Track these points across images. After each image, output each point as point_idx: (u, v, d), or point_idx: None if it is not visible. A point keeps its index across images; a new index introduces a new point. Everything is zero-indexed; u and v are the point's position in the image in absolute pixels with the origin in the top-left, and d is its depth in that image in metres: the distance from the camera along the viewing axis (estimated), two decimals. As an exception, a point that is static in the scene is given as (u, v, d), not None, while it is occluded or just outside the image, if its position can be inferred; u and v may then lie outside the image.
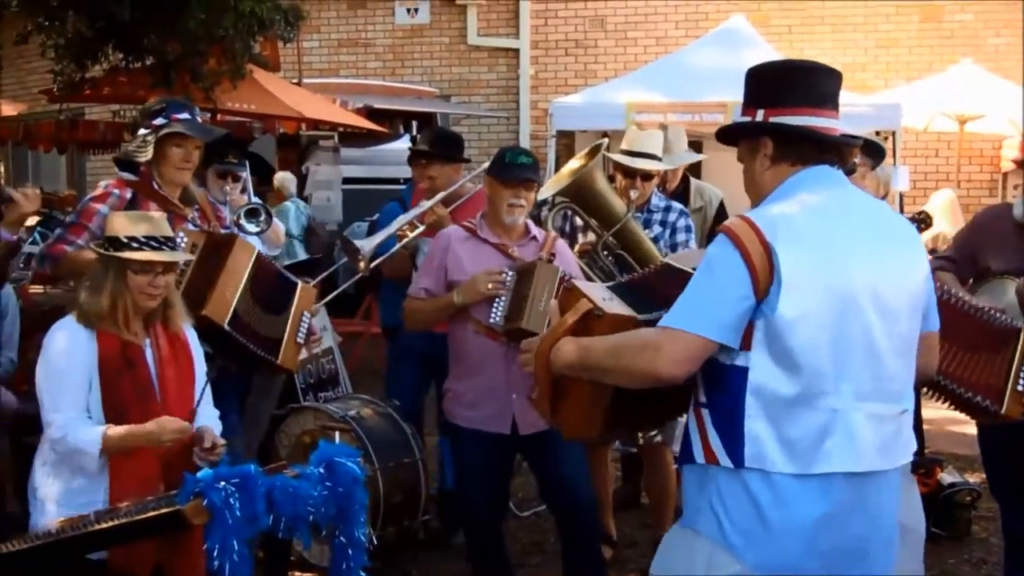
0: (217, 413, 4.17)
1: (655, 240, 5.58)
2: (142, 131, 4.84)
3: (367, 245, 5.53)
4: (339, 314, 6.35)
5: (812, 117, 2.92)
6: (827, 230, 2.82)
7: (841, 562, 2.84)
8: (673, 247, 5.59)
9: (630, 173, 5.58)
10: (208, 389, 4.07)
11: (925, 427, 6.35)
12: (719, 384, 2.84)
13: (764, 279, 2.74)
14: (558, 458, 4.67)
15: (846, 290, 2.80)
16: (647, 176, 5.59)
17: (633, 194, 5.51)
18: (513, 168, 4.71)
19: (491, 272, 4.61)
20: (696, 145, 8.10)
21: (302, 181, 12.98)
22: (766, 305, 2.75)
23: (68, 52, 9.44)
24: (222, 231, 5.03)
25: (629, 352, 2.84)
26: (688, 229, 5.74)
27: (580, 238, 5.65)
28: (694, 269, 2.98)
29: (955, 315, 3.89)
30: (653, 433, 5.40)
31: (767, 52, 12.15)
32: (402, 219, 5.73)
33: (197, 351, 4.15)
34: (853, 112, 10.03)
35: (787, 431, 2.78)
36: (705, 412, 2.88)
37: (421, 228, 5.62)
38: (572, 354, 2.98)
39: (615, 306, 3.08)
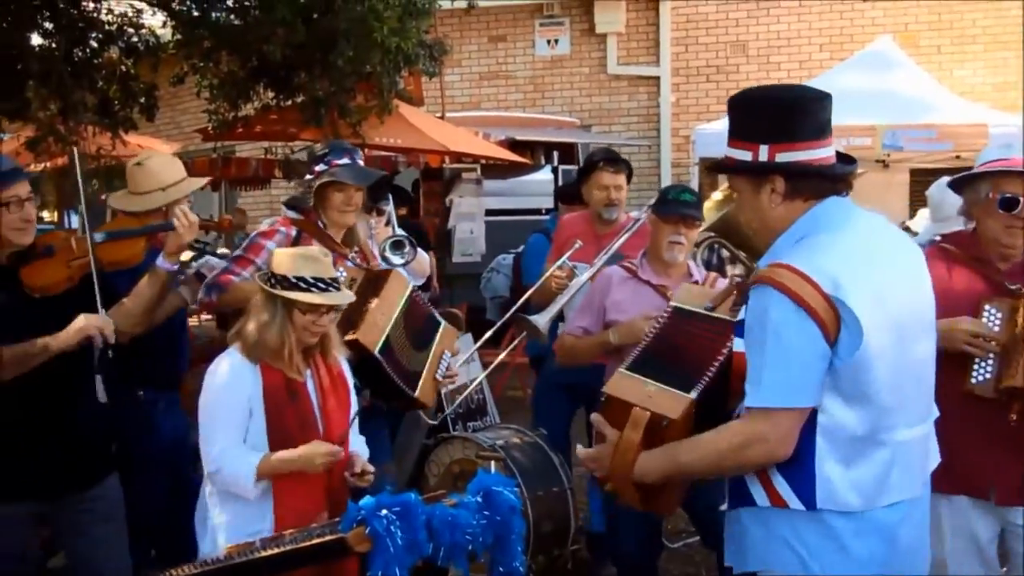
0: (363, 439, 4.25)
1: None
2: (308, 176, 4.98)
3: (542, 320, 5.53)
4: (484, 344, 6.40)
5: (818, 150, 2.90)
6: (868, 266, 2.83)
7: None
8: None
9: None
10: (357, 416, 4.15)
11: None
12: None
13: (832, 330, 2.75)
14: (711, 490, 4.61)
15: (898, 321, 2.85)
16: None
17: None
18: (675, 205, 4.74)
19: (651, 317, 4.61)
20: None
21: (445, 213, 13.15)
22: (835, 354, 2.77)
23: (222, 92, 9.72)
24: (382, 267, 5.14)
25: (733, 454, 2.83)
26: None
27: (728, 270, 5.59)
28: (707, 309, 3.12)
29: None
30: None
31: (915, 73, 11.91)
32: (554, 269, 5.77)
33: (352, 382, 4.24)
34: (1006, 132, 9.75)
35: (857, 469, 2.83)
36: None
37: (583, 277, 5.58)
38: (660, 471, 2.97)
39: (663, 397, 3.03)
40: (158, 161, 5.14)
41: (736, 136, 2.97)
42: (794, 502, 2.85)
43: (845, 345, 2.76)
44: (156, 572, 3.57)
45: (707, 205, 5.69)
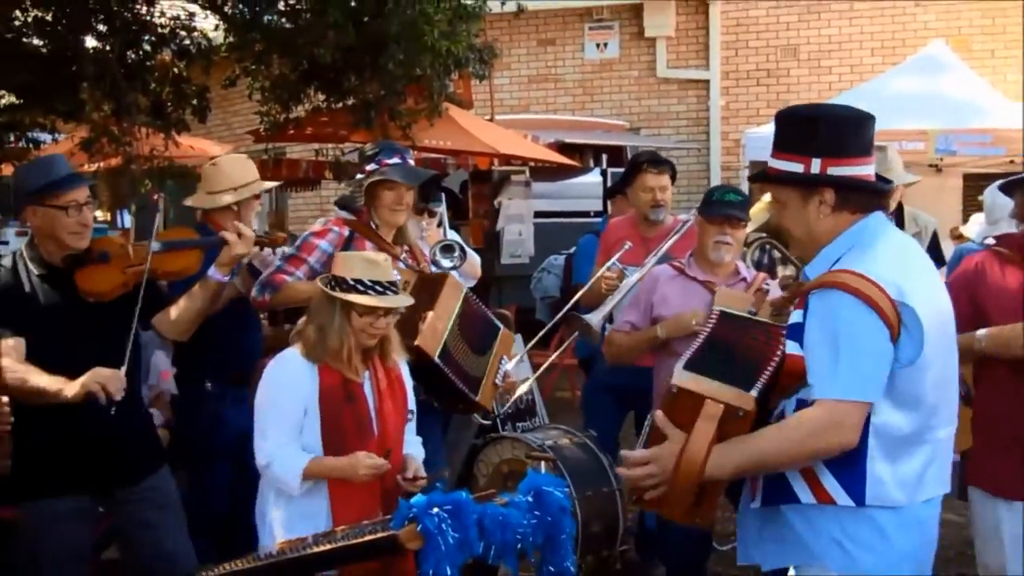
0: (420, 440, 4.28)
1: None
2: (358, 176, 5.01)
3: (595, 319, 5.51)
4: (533, 345, 6.40)
5: (864, 166, 3.03)
6: (920, 274, 3.01)
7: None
8: None
9: None
10: (414, 418, 4.19)
11: None
12: None
13: (895, 334, 2.88)
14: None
15: (944, 328, 3.02)
16: None
17: None
18: (720, 206, 4.74)
19: (697, 313, 4.60)
20: (896, 174, 7.89)
21: (494, 215, 13.18)
22: (895, 358, 2.89)
23: (273, 94, 9.81)
24: (432, 270, 5.15)
25: (812, 441, 2.87)
26: None
27: (779, 271, 5.57)
28: (750, 312, 3.24)
29: None
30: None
31: (968, 77, 11.80)
32: (604, 270, 5.76)
33: (410, 384, 4.27)
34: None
35: (902, 466, 2.95)
36: None
37: (633, 279, 5.55)
38: (736, 464, 2.95)
39: (729, 393, 3.01)
40: (231, 161, 5.30)
41: (785, 149, 3.06)
42: (842, 498, 2.94)
43: (905, 349, 2.89)
44: (212, 566, 3.59)
45: (758, 207, 5.69)
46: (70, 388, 3.84)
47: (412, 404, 4.23)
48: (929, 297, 2.96)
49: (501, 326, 5.16)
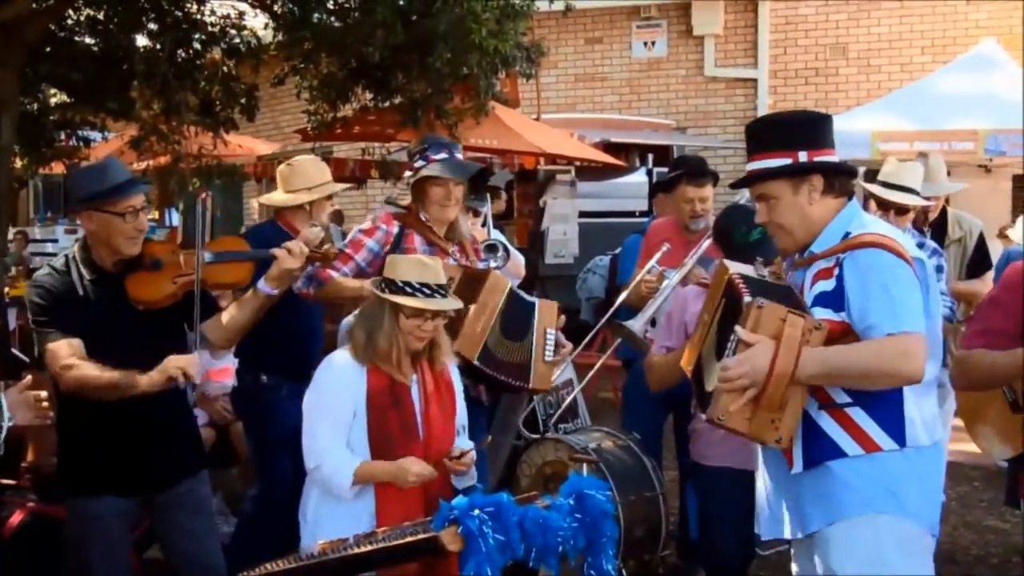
0: (472, 444, 4.26)
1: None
2: (407, 173, 5.02)
3: (637, 324, 5.49)
4: (575, 345, 6.37)
5: (835, 156, 3.43)
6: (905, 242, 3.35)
7: None
8: None
9: (884, 205, 5.41)
10: (466, 425, 4.19)
11: None
12: None
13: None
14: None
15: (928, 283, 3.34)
16: (902, 210, 5.41)
17: None
18: (744, 250, 4.62)
19: None
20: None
21: (539, 214, 13.17)
22: None
23: (321, 93, 9.85)
24: (480, 266, 5.13)
25: (894, 360, 3.12)
26: (939, 269, 5.50)
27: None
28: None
29: None
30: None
31: (1019, 77, 11.63)
32: (643, 273, 5.74)
33: (459, 387, 4.27)
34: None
35: (924, 410, 3.28)
36: (853, 410, 3.24)
37: (674, 280, 5.52)
38: (819, 369, 3.13)
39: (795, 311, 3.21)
40: (307, 162, 5.55)
41: (770, 148, 3.39)
42: (887, 443, 3.22)
43: (924, 298, 3.25)
44: (254, 566, 3.60)
45: None
46: (146, 379, 3.89)
47: (463, 418, 4.22)
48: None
49: (536, 300, 5.07)
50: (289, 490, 5.04)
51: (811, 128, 3.44)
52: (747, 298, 3.20)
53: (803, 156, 3.33)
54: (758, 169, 3.41)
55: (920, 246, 5.46)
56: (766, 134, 3.45)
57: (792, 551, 3.60)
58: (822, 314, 3.22)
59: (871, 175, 6.07)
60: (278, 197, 5.47)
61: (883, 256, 3.21)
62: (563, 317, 5.09)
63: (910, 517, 3.25)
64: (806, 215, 3.36)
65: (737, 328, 3.15)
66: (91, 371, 3.89)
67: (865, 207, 5.51)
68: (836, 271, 3.26)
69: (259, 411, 5.18)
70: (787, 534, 3.41)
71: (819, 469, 3.26)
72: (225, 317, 4.21)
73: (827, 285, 3.28)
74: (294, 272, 4.26)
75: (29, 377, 3.62)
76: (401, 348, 3.97)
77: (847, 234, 3.32)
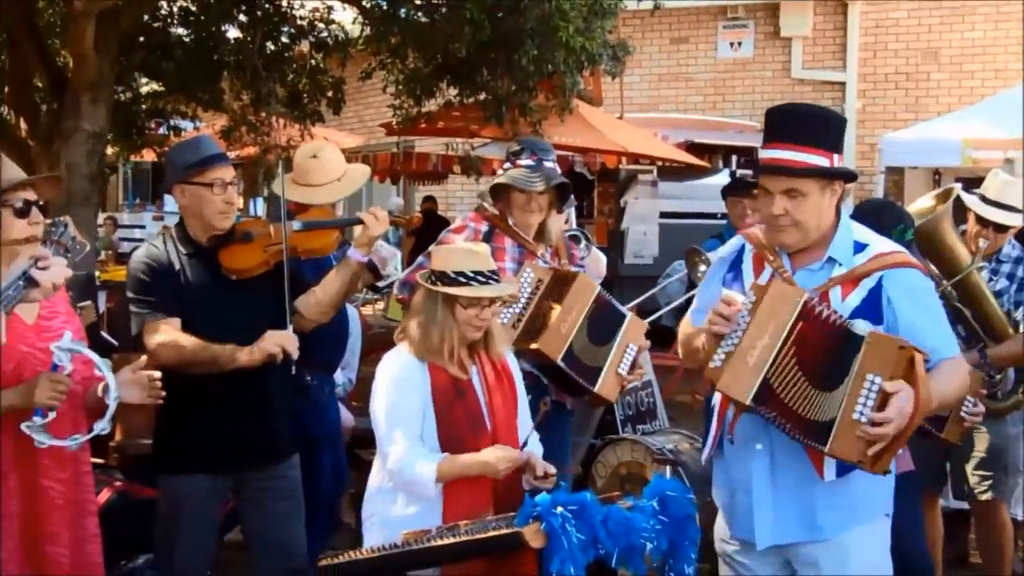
0: (536, 435, 4.22)
1: (998, 295, 5.20)
2: (499, 173, 5.03)
3: None
4: (654, 347, 6.32)
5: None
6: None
7: None
8: (1017, 304, 5.22)
9: (984, 221, 5.27)
10: (529, 417, 4.14)
11: None
12: None
13: None
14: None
15: None
16: (1002, 228, 5.28)
17: (982, 243, 5.16)
18: None
19: None
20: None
21: (619, 214, 13.13)
22: None
23: (407, 88, 9.92)
24: (572, 268, 5.11)
25: (965, 385, 3.44)
26: None
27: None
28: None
29: None
30: (983, 488, 5.15)
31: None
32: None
33: (518, 375, 4.22)
34: None
35: None
36: None
37: None
38: (935, 402, 3.23)
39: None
40: (330, 153, 5.29)
41: (814, 144, 3.32)
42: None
43: None
44: (336, 552, 3.62)
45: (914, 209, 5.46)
46: (245, 353, 3.94)
47: (524, 400, 4.18)
48: None
49: (629, 314, 5.05)
50: (328, 485, 5.11)
51: (839, 131, 3.47)
52: (857, 332, 3.20)
53: (836, 160, 3.36)
54: (800, 163, 3.30)
55: (1018, 261, 5.37)
56: (810, 127, 3.37)
57: (740, 558, 3.82)
58: (865, 326, 3.22)
59: (966, 184, 5.92)
60: (300, 191, 5.14)
61: (921, 279, 3.39)
62: (648, 342, 5.06)
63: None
64: (823, 217, 3.38)
65: (879, 380, 3.11)
66: (190, 344, 3.96)
67: (963, 219, 5.41)
68: (870, 285, 3.33)
69: (306, 410, 5.18)
70: (806, 535, 3.43)
71: (849, 477, 3.33)
72: (319, 290, 4.26)
73: (857, 298, 3.34)
74: (379, 237, 4.32)
75: (144, 357, 3.68)
76: (456, 341, 3.93)
77: (861, 245, 3.39)
